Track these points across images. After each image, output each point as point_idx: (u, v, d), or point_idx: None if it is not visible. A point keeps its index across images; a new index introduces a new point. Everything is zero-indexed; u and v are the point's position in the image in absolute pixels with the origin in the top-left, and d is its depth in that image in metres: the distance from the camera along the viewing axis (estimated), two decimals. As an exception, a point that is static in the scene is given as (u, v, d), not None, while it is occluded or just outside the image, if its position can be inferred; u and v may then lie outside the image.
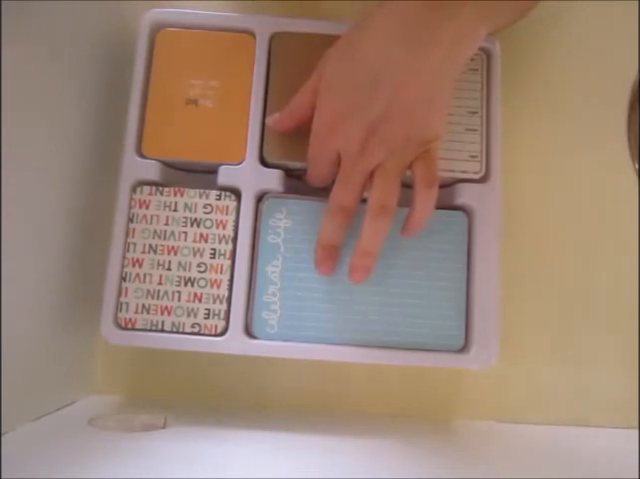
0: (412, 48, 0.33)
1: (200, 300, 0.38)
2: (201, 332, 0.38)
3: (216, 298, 0.38)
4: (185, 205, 0.39)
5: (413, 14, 0.33)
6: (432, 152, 0.35)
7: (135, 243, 0.39)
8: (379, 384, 0.43)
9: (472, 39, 0.35)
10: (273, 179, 0.39)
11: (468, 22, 0.34)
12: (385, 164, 0.35)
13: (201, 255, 0.39)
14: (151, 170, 0.39)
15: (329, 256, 0.38)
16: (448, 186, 0.41)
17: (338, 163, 0.36)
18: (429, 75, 0.34)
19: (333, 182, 0.37)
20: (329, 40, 0.37)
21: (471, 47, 0.35)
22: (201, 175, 0.41)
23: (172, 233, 0.39)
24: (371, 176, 0.35)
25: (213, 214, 0.39)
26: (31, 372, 0.36)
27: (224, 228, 0.39)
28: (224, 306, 0.38)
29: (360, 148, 0.35)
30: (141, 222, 0.39)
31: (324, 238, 0.37)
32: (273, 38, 0.41)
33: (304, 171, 0.39)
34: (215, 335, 0.38)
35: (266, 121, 0.39)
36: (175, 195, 0.39)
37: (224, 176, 0.39)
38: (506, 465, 0.34)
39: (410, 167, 0.35)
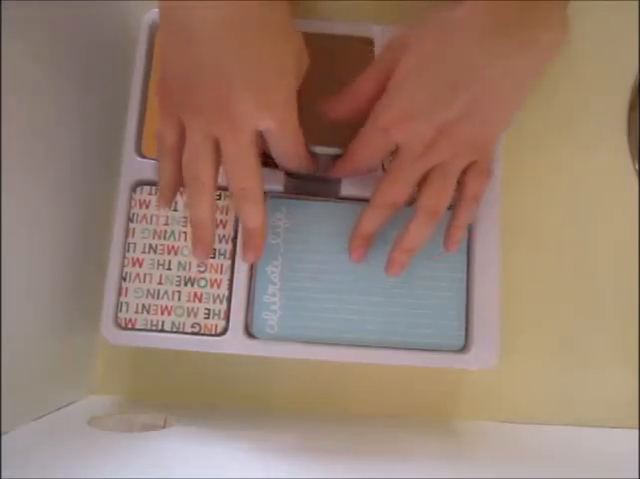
0: (504, 50, 0.31)
1: (200, 300, 0.38)
2: (201, 332, 0.38)
3: (216, 298, 0.38)
4: (186, 204, 0.39)
5: (508, 13, 0.31)
6: (485, 162, 0.35)
7: (135, 243, 0.39)
8: (379, 384, 0.43)
9: (560, 43, 0.32)
10: (273, 179, 0.39)
11: (558, 25, 0.32)
12: (446, 165, 0.34)
13: (201, 255, 0.39)
14: (151, 170, 0.39)
15: (365, 244, 0.37)
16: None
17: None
18: (517, 79, 0.32)
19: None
20: (328, 39, 0.36)
21: (557, 52, 0.32)
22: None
23: (172, 232, 0.39)
24: (426, 174, 0.34)
25: (213, 214, 0.39)
26: (31, 372, 0.36)
27: (224, 227, 0.39)
28: (224, 306, 0.38)
29: (426, 146, 0.33)
30: (141, 221, 0.39)
31: (364, 227, 0.36)
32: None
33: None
34: (215, 335, 0.38)
35: (319, 107, 0.36)
36: (175, 195, 0.39)
37: (224, 175, 0.39)
38: (506, 465, 0.34)
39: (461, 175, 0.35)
